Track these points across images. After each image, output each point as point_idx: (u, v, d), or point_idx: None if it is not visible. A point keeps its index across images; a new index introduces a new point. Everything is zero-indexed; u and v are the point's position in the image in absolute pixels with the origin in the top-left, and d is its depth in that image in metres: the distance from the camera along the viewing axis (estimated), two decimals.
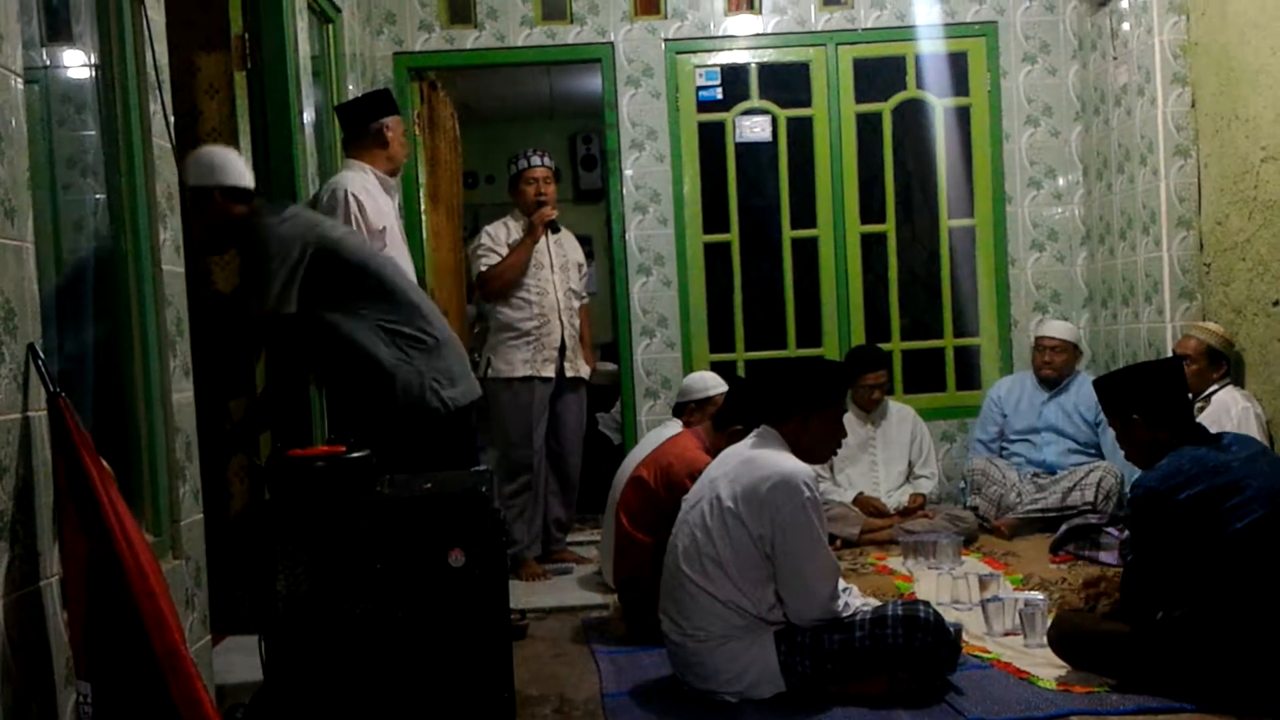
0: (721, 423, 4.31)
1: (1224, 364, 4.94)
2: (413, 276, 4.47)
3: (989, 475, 5.77)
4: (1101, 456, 5.74)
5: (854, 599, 3.55)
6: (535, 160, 5.51)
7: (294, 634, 2.90)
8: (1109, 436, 5.61)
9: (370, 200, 4.19)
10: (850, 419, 5.93)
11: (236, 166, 3.72)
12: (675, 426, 4.91)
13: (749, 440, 3.64)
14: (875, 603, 3.66)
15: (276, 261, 3.58)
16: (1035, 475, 5.76)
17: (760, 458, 3.48)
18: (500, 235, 5.47)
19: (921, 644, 3.38)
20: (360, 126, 4.38)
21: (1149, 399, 3.49)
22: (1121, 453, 3.67)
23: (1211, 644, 3.25)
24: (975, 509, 5.68)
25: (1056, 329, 6.00)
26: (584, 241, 9.12)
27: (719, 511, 3.42)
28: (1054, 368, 5.89)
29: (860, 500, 5.74)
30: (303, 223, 3.71)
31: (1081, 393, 5.82)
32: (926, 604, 3.58)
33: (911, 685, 3.41)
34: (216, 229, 3.70)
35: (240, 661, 3.62)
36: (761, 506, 3.38)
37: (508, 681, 3.05)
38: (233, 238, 3.75)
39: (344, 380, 3.77)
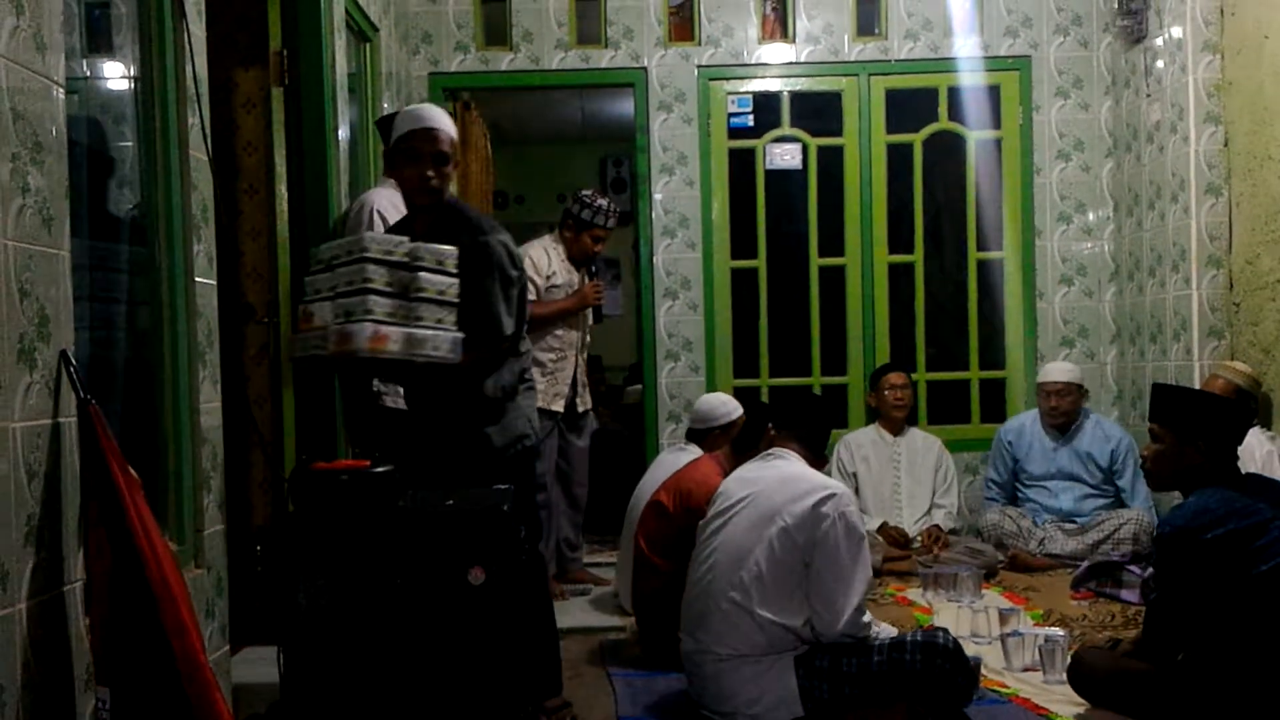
0: (742, 447, 4.30)
1: (1251, 404, 4.91)
2: None
3: (1003, 528, 5.76)
4: (1118, 498, 5.72)
5: (881, 629, 3.55)
6: (612, 223, 5.45)
7: (313, 647, 2.91)
8: (1138, 486, 5.57)
9: (396, 217, 4.20)
10: (875, 436, 5.98)
11: None
12: (692, 452, 4.88)
13: (769, 459, 3.66)
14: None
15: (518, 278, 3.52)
16: (1056, 522, 5.73)
17: (798, 474, 3.55)
18: (542, 265, 5.37)
19: (939, 670, 3.36)
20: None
21: (1220, 433, 3.44)
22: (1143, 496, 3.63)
23: (1233, 686, 3.22)
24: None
25: (1059, 372, 5.92)
26: (612, 264, 9.20)
27: (762, 526, 3.42)
28: (1062, 412, 5.83)
29: (884, 530, 5.74)
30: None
31: (1094, 437, 5.82)
32: (946, 631, 3.56)
33: (930, 715, 3.39)
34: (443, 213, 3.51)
35: (259, 671, 3.63)
36: (807, 518, 3.39)
37: (525, 701, 3.04)
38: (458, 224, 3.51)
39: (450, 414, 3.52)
